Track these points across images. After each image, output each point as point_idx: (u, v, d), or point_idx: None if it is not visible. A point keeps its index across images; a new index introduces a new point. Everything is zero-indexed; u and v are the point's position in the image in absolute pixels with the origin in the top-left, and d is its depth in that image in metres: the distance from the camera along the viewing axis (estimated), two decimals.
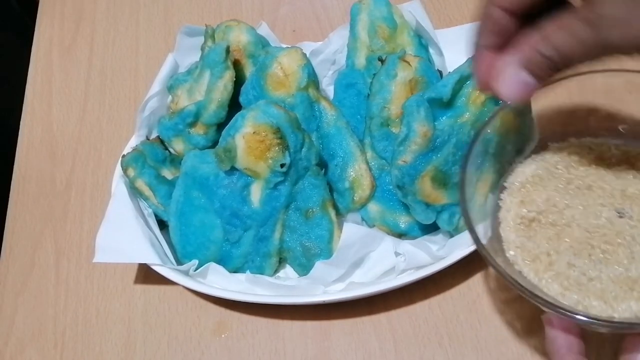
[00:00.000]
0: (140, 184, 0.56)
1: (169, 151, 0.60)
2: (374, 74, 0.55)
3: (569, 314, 0.37)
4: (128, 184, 0.57)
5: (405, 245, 0.52)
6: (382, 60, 0.55)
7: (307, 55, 0.56)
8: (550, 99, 0.47)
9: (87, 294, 0.58)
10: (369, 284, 0.51)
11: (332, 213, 0.54)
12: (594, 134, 0.48)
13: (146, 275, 0.57)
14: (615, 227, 0.42)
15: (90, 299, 0.57)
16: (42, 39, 0.77)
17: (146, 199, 0.56)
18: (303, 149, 0.52)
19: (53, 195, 0.64)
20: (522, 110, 0.47)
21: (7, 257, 0.61)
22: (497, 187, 0.46)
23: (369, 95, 0.55)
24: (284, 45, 0.62)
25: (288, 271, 0.56)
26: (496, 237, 0.44)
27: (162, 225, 0.57)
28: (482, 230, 0.42)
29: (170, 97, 0.63)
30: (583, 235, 0.42)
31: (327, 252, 0.53)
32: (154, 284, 0.57)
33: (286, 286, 0.53)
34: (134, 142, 0.60)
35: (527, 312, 0.51)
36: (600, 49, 0.32)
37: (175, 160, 0.59)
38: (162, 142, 0.60)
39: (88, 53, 0.75)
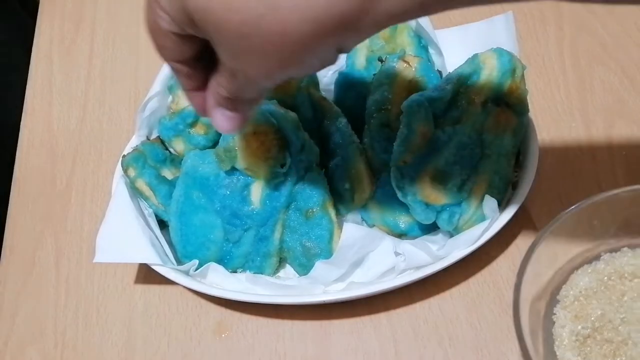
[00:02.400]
0: (141, 184, 0.56)
1: (170, 151, 0.60)
2: (374, 74, 0.55)
3: None
4: (128, 184, 0.57)
5: (405, 245, 0.52)
6: (382, 60, 0.55)
7: None
8: (605, 209, 0.45)
9: (87, 294, 0.58)
10: (369, 284, 0.51)
11: (332, 213, 0.54)
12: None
13: (146, 275, 0.57)
14: None
15: (90, 299, 0.57)
16: (42, 39, 0.77)
17: (146, 199, 0.56)
18: (303, 149, 0.52)
19: (53, 195, 0.64)
20: None
21: (7, 257, 0.61)
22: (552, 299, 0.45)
23: (369, 95, 0.55)
24: None
25: (288, 271, 0.56)
26: (551, 354, 0.43)
27: (162, 225, 0.57)
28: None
29: (170, 97, 0.62)
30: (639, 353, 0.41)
31: (327, 252, 0.53)
32: (154, 284, 0.57)
33: (286, 286, 0.53)
34: (134, 142, 0.60)
35: None
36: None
37: (175, 160, 0.59)
38: (162, 142, 0.60)
39: (88, 53, 0.75)
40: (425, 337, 0.52)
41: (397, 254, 0.52)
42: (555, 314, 0.45)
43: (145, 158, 0.57)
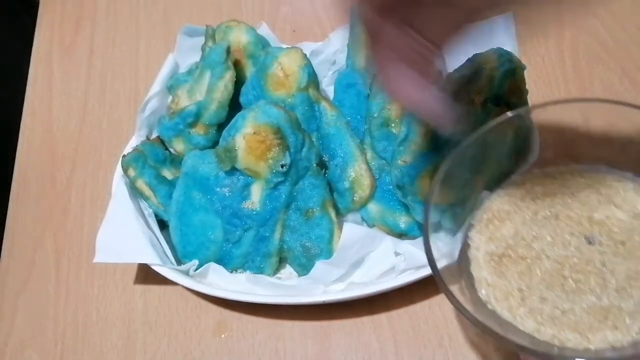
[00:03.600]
0: (141, 184, 0.56)
1: (170, 151, 0.60)
2: (374, 74, 0.55)
3: (540, 353, 0.37)
4: (128, 184, 0.57)
5: (405, 245, 0.52)
6: None
7: (307, 56, 0.57)
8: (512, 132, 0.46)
9: (87, 294, 0.58)
10: (369, 284, 0.51)
11: (332, 213, 0.54)
12: (556, 162, 0.47)
13: (146, 275, 0.57)
14: (585, 255, 0.42)
15: (90, 299, 0.57)
16: (42, 39, 0.77)
17: (146, 199, 0.56)
18: (303, 149, 0.52)
19: (53, 195, 0.64)
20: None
21: (7, 257, 0.61)
22: (465, 222, 0.46)
23: (369, 95, 0.55)
24: (284, 46, 0.62)
25: (288, 271, 0.56)
26: (468, 277, 0.43)
27: (162, 225, 0.57)
28: (449, 270, 0.42)
29: (170, 97, 0.63)
30: (553, 266, 0.42)
31: (327, 252, 0.53)
32: (154, 284, 0.57)
33: (286, 286, 0.53)
34: (134, 142, 0.60)
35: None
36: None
37: (175, 161, 0.59)
38: (162, 142, 0.60)
39: (88, 53, 0.75)
40: (425, 337, 0.52)
41: (397, 254, 0.52)
42: (470, 237, 0.45)
43: (145, 158, 0.57)
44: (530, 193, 0.46)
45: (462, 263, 0.44)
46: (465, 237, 0.45)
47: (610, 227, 0.43)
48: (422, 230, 0.42)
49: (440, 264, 0.41)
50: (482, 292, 0.42)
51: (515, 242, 0.44)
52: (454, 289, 0.40)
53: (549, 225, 0.44)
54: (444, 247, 0.43)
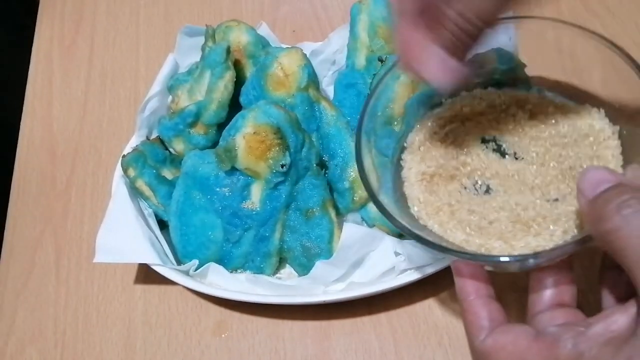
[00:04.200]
0: (141, 184, 0.56)
1: (169, 151, 0.60)
2: (374, 74, 0.55)
3: (469, 257, 0.39)
4: (128, 184, 0.57)
5: (405, 245, 0.52)
6: (382, 61, 0.55)
7: (307, 56, 0.57)
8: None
9: (87, 294, 0.58)
10: (369, 284, 0.51)
11: (332, 213, 0.54)
12: (483, 85, 0.50)
13: (146, 275, 0.57)
14: (511, 168, 0.45)
15: (90, 299, 0.57)
16: (42, 39, 0.77)
17: (146, 199, 0.57)
18: (303, 149, 0.52)
19: (53, 195, 0.64)
20: None
21: (7, 257, 0.61)
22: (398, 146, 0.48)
23: (369, 95, 0.55)
24: (284, 46, 0.62)
25: (288, 271, 0.56)
26: (401, 196, 0.45)
27: (162, 225, 0.57)
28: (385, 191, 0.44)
29: (170, 97, 0.63)
30: (481, 181, 0.45)
31: (327, 252, 0.53)
32: (154, 284, 0.57)
33: (286, 286, 0.53)
34: (134, 142, 0.60)
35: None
36: None
37: (175, 160, 0.59)
38: (162, 142, 0.60)
39: (88, 53, 0.75)
40: (425, 337, 0.52)
41: (397, 254, 0.52)
42: (403, 159, 0.47)
43: (145, 158, 0.57)
44: (459, 115, 0.48)
45: (396, 183, 0.46)
46: (399, 159, 0.48)
47: (531, 140, 0.46)
48: (355, 151, 0.44)
49: (372, 179, 0.43)
50: (415, 209, 0.45)
51: (445, 161, 0.46)
52: (390, 208, 0.42)
53: (477, 145, 0.47)
54: (377, 169, 0.45)
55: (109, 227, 0.54)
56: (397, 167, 0.47)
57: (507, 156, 0.46)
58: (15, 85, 0.75)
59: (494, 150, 0.46)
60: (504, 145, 0.46)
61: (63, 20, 0.79)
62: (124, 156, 0.57)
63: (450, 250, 0.39)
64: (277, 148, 0.50)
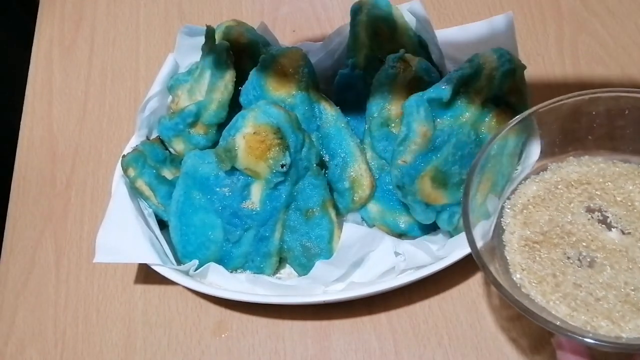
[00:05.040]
0: (141, 184, 0.56)
1: (169, 151, 0.60)
2: (374, 74, 0.55)
3: (577, 336, 0.37)
4: (128, 184, 0.57)
5: (405, 245, 0.52)
6: (382, 60, 0.55)
7: (307, 56, 0.56)
8: (550, 120, 0.47)
9: (87, 294, 0.58)
10: (369, 284, 0.51)
11: (332, 213, 0.54)
12: (592, 152, 0.48)
13: (146, 275, 0.57)
14: (620, 244, 0.43)
15: (90, 299, 0.57)
16: (42, 39, 0.77)
17: (146, 199, 0.57)
18: (303, 149, 0.52)
19: (53, 195, 0.64)
20: (527, 127, 0.48)
21: (7, 257, 0.61)
22: (499, 208, 0.47)
23: (369, 95, 0.55)
24: (284, 45, 0.62)
25: (288, 271, 0.56)
26: (502, 260, 0.44)
27: (162, 225, 0.57)
28: (488, 256, 0.42)
29: (170, 97, 0.63)
30: (588, 254, 0.43)
31: (327, 252, 0.53)
32: (154, 284, 0.57)
33: (286, 286, 0.53)
34: (134, 142, 0.60)
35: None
36: None
37: (175, 160, 0.59)
38: (162, 142, 0.60)
39: (88, 53, 0.75)
40: (425, 337, 0.52)
41: (397, 254, 0.52)
42: (505, 222, 0.46)
43: (145, 158, 0.57)
44: (564, 181, 0.47)
45: (497, 246, 0.45)
46: (499, 221, 0.46)
47: None
48: (462, 214, 0.43)
49: (479, 244, 0.42)
50: (517, 276, 0.43)
51: (549, 228, 0.44)
52: (491, 269, 0.41)
53: (584, 214, 0.45)
54: (480, 230, 0.44)
55: (109, 227, 0.54)
56: (499, 229, 0.46)
57: (613, 229, 0.44)
58: (15, 85, 0.75)
59: (599, 221, 0.44)
60: (610, 217, 0.44)
61: (63, 20, 0.79)
62: (124, 156, 0.57)
63: (567, 331, 0.37)
64: (277, 148, 0.50)
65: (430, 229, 0.55)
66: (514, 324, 0.51)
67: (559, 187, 0.47)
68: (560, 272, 0.42)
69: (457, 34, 0.61)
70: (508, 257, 0.44)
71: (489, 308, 0.53)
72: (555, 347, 0.40)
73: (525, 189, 0.47)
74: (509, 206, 0.47)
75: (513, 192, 0.48)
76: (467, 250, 0.50)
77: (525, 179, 0.48)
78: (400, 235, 0.55)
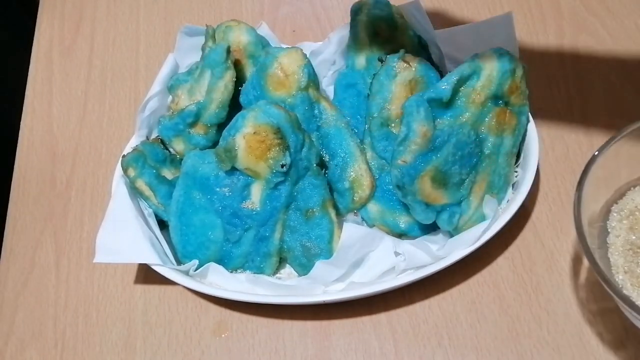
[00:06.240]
0: (141, 184, 0.56)
1: (169, 151, 0.60)
2: (374, 74, 0.55)
3: None
4: (128, 184, 0.57)
5: (405, 245, 0.52)
6: (382, 60, 0.55)
7: (307, 56, 0.57)
8: None
9: (87, 294, 0.58)
10: (369, 284, 0.51)
11: (332, 213, 0.54)
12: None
13: (146, 275, 0.57)
14: None
15: (90, 299, 0.57)
16: (42, 39, 0.77)
17: (146, 199, 0.57)
18: (303, 149, 0.52)
19: (53, 195, 0.64)
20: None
21: (7, 257, 0.61)
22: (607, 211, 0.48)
23: (369, 95, 0.55)
24: (284, 46, 0.62)
25: (288, 271, 0.56)
26: (604, 260, 0.45)
27: (162, 225, 0.57)
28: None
29: (170, 97, 0.63)
30: None
31: (327, 252, 0.53)
32: (154, 284, 0.57)
33: (286, 286, 0.53)
34: (134, 142, 0.60)
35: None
36: None
37: (175, 160, 0.59)
38: (162, 142, 0.60)
39: (88, 53, 0.75)
40: (425, 337, 0.52)
41: (397, 254, 0.52)
42: (611, 225, 0.47)
43: (145, 158, 0.57)
44: None
45: (601, 247, 0.46)
46: (605, 224, 0.47)
47: None
48: (574, 213, 0.44)
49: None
50: (619, 277, 0.45)
51: None
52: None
53: None
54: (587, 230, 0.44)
55: (109, 227, 0.54)
56: (603, 232, 0.47)
57: None
58: (15, 85, 0.75)
59: None
60: None
61: (63, 20, 0.79)
62: (124, 156, 0.57)
63: None
64: (277, 148, 0.50)
65: (430, 229, 0.55)
66: (513, 323, 0.51)
67: None
68: None
69: (457, 34, 0.61)
70: (611, 259, 0.46)
71: (489, 308, 0.53)
72: None
73: (634, 195, 0.48)
74: (616, 210, 0.48)
75: (621, 196, 0.48)
76: (467, 250, 0.50)
77: (635, 185, 0.49)
78: (400, 235, 0.55)
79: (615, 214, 0.48)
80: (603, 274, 0.41)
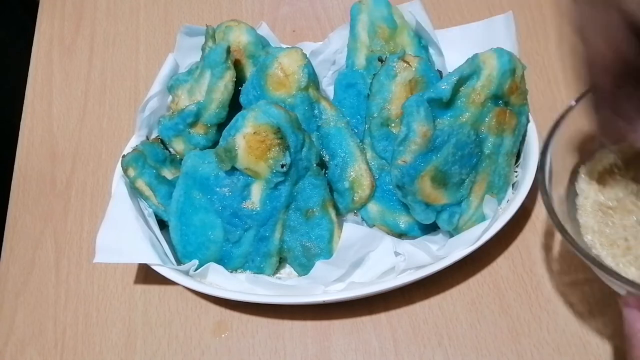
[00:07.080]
0: (141, 184, 0.56)
1: (169, 151, 0.60)
2: (374, 74, 0.55)
3: None
4: (128, 184, 0.57)
5: (405, 245, 0.52)
6: (382, 60, 0.55)
7: (307, 56, 0.57)
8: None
9: (87, 294, 0.58)
10: (369, 284, 0.51)
11: (332, 213, 0.54)
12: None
13: (146, 275, 0.57)
14: None
15: (90, 299, 0.57)
16: (42, 39, 0.77)
17: (146, 199, 0.57)
18: (303, 149, 0.52)
19: (53, 195, 0.64)
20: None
21: (7, 257, 0.61)
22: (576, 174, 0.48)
23: (369, 95, 0.55)
24: (284, 46, 0.62)
25: (288, 271, 0.56)
26: (573, 222, 0.45)
27: (162, 225, 0.57)
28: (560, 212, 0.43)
29: (170, 97, 0.63)
30: None
31: (327, 252, 0.53)
32: (154, 284, 0.57)
33: (286, 286, 0.53)
34: (134, 142, 0.60)
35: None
36: None
37: (175, 160, 0.59)
38: (162, 142, 0.60)
39: (88, 53, 0.75)
40: (425, 337, 0.52)
41: (397, 254, 0.52)
42: (580, 187, 0.47)
43: (145, 158, 0.57)
44: None
45: (570, 209, 0.46)
46: (573, 186, 0.47)
47: None
48: (539, 175, 0.44)
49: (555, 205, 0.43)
50: (588, 238, 0.45)
51: (624, 195, 0.46)
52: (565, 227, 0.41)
53: None
54: (555, 194, 0.45)
55: (108, 227, 0.54)
56: (572, 194, 0.47)
57: None
58: (15, 85, 0.75)
59: None
60: None
61: (63, 20, 0.78)
62: (124, 156, 0.57)
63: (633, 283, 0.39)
64: (277, 148, 0.50)
65: (430, 229, 0.55)
66: (513, 323, 0.51)
67: (637, 157, 0.47)
68: (632, 236, 0.44)
69: (457, 34, 0.61)
70: (580, 220, 0.46)
71: (489, 308, 0.53)
72: (623, 305, 0.41)
73: (602, 157, 0.48)
74: (584, 172, 0.48)
75: (589, 158, 0.48)
76: (467, 250, 0.50)
77: (603, 147, 0.48)
78: (400, 235, 0.55)
79: (583, 176, 0.48)
80: (571, 238, 0.41)
